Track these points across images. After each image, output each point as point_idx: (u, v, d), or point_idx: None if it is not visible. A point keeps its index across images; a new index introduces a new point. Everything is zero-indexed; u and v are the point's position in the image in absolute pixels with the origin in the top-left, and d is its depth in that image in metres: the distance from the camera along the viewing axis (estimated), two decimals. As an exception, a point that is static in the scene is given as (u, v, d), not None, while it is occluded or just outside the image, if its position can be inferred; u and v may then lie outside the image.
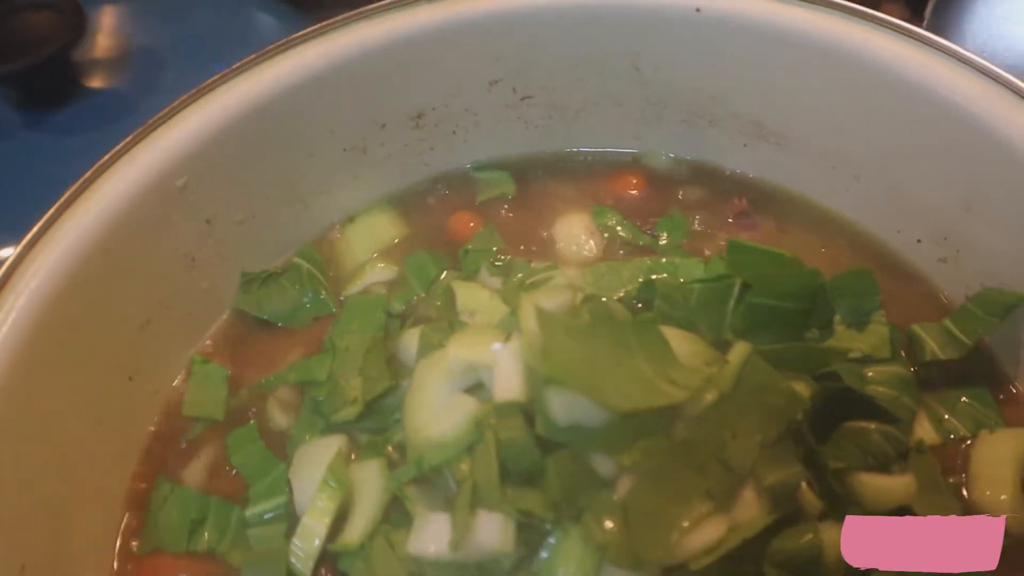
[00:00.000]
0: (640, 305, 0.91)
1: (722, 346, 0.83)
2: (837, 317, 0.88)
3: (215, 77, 0.89)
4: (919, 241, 0.91)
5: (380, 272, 1.00)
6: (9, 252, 1.18)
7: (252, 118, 0.90)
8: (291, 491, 0.83)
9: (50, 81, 1.30)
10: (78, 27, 1.26)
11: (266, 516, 0.84)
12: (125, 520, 0.85)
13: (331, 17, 0.93)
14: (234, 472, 0.88)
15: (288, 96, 0.91)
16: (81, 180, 0.82)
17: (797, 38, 0.89)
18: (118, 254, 0.84)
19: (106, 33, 1.40)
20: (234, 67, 0.90)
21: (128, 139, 0.85)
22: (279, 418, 0.91)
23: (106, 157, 0.83)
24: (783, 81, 0.92)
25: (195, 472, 0.88)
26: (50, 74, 1.29)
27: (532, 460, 0.74)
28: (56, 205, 0.81)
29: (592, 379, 0.73)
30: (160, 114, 0.86)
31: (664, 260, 0.94)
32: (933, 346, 0.84)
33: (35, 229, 0.80)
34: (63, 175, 1.25)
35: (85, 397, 0.83)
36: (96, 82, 1.36)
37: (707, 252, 0.97)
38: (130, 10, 1.45)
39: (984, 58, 0.78)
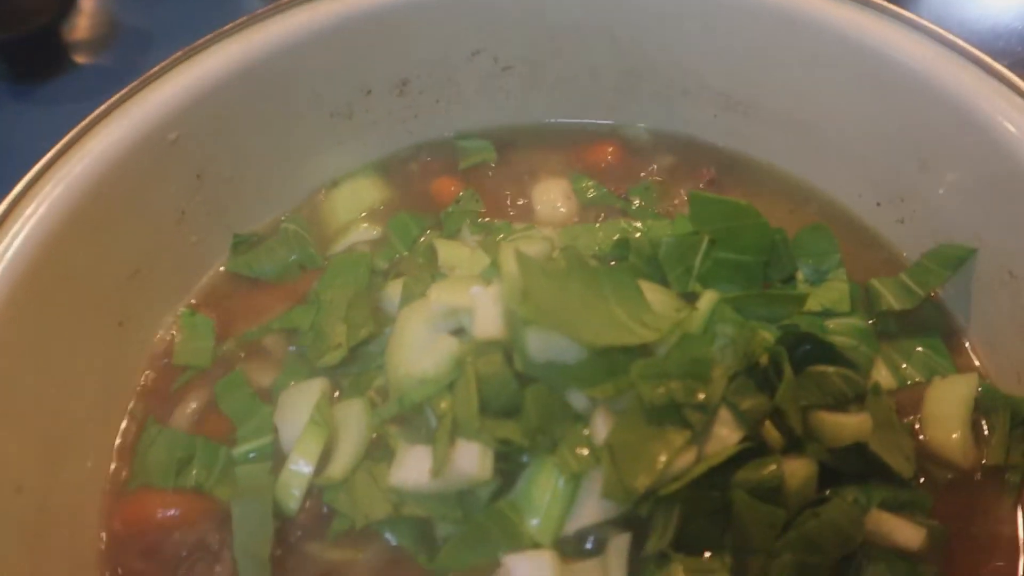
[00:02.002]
0: (613, 263, 0.95)
1: (690, 298, 0.88)
2: (800, 275, 0.93)
3: (208, 36, 0.92)
4: (878, 204, 0.97)
5: (364, 232, 1.03)
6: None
7: (242, 78, 0.93)
8: (276, 432, 0.86)
9: (38, 55, 1.32)
10: (67, 2, 1.29)
11: (252, 455, 0.87)
12: (115, 457, 0.88)
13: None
14: (220, 418, 0.90)
15: (277, 58, 0.95)
16: (77, 129, 0.85)
17: (764, 11, 0.94)
18: (110, 203, 0.87)
19: (93, 11, 1.43)
20: (226, 28, 0.93)
21: (123, 92, 0.88)
22: (262, 372, 0.94)
23: (101, 109, 0.86)
24: (751, 53, 0.97)
25: (183, 417, 0.91)
26: (38, 48, 1.31)
27: (510, 393, 0.78)
28: (51, 152, 0.84)
29: (568, 318, 0.77)
30: (154, 70, 0.90)
31: (637, 223, 0.99)
32: (889, 298, 0.89)
33: (30, 175, 0.83)
34: (48, 146, 1.28)
35: (77, 339, 0.85)
36: (83, 58, 1.38)
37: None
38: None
39: (939, 26, 0.84)
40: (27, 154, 1.25)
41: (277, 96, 0.97)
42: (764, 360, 0.80)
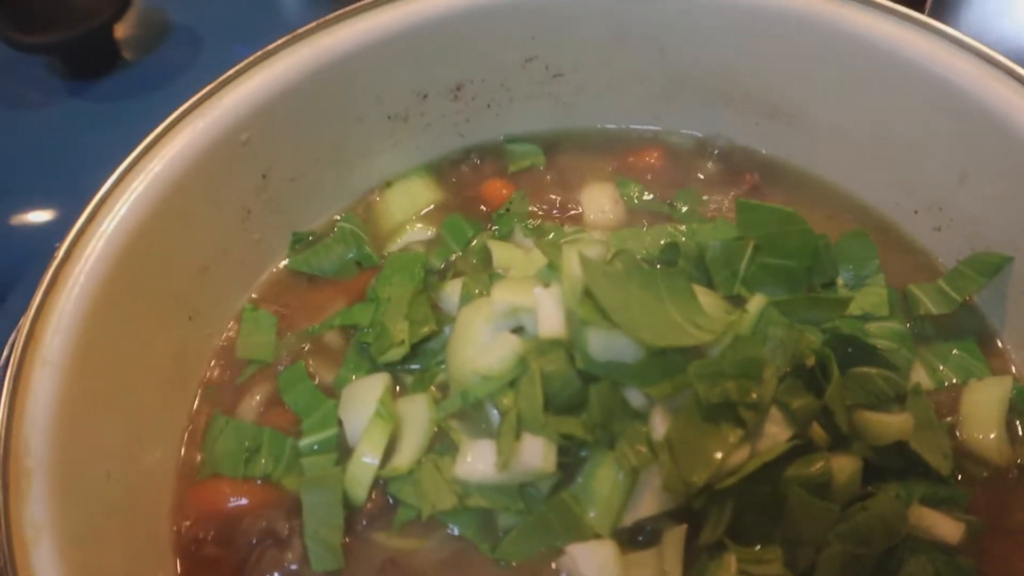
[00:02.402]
0: (660, 266, 0.99)
1: (735, 301, 0.92)
2: (840, 280, 0.97)
3: (279, 42, 0.96)
4: (916, 212, 1.00)
5: (418, 232, 1.07)
6: (50, 209, 1.27)
7: (310, 82, 0.97)
8: (340, 425, 0.90)
9: (93, 52, 1.36)
10: (123, 2, 1.32)
11: (316, 447, 0.90)
12: (186, 446, 0.92)
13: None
14: (284, 410, 0.94)
15: (342, 64, 0.99)
16: (159, 129, 0.88)
17: (810, 24, 0.97)
18: (186, 201, 0.90)
19: (145, 10, 1.46)
20: (296, 33, 0.96)
21: (201, 93, 0.91)
22: (324, 367, 0.98)
23: (181, 109, 0.90)
24: (795, 64, 1.01)
25: (249, 408, 0.95)
26: (94, 46, 1.35)
27: (573, 390, 0.82)
28: (136, 151, 0.87)
29: (628, 319, 0.81)
30: (230, 72, 0.93)
31: (683, 227, 1.03)
32: (927, 302, 0.93)
33: (116, 173, 0.86)
34: (103, 140, 1.31)
35: (153, 329, 0.89)
36: (134, 55, 1.42)
37: (721, 222, 1.05)
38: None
39: (979, 41, 0.88)
40: (83, 148, 1.31)
41: (340, 99, 1.01)
42: (811, 361, 0.84)
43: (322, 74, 0.97)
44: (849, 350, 0.88)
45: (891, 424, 0.83)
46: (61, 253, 0.79)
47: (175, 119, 0.89)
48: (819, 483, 0.79)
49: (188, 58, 1.42)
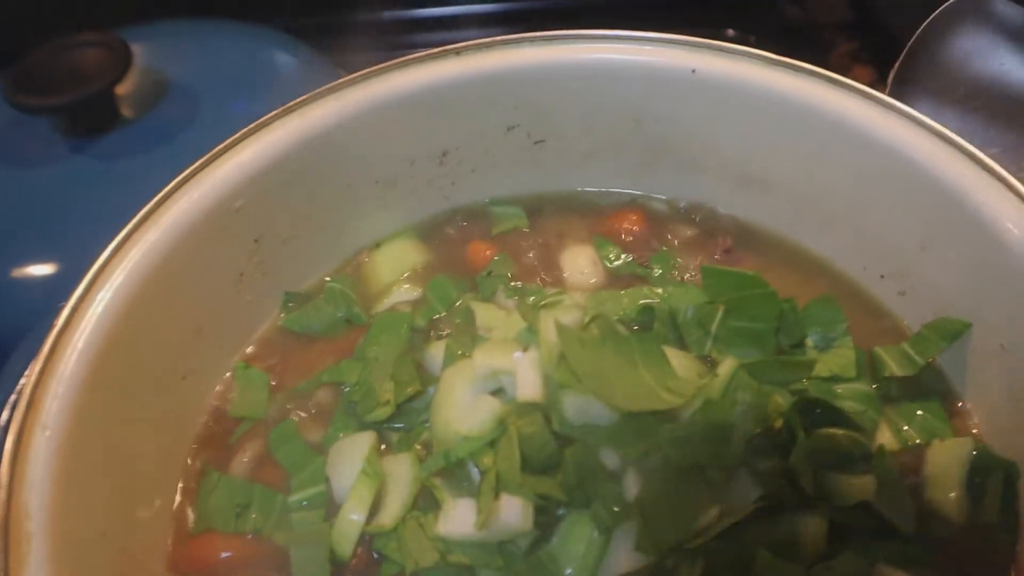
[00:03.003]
0: (636, 327, 1.03)
1: (708, 362, 0.97)
2: (809, 342, 1.01)
3: (271, 114, 1.00)
4: (882, 277, 1.05)
5: (405, 292, 1.11)
6: (51, 263, 1.30)
7: (300, 151, 1.02)
8: (328, 481, 0.94)
9: (95, 111, 1.40)
10: (125, 64, 1.37)
11: (304, 503, 0.94)
12: (179, 503, 0.95)
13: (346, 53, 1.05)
14: (275, 466, 0.98)
15: (332, 133, 1.03)
16: (156, 198, 0.92)
17: (779, 99, 1.02)
18: (181, 266, 0.94)
19: (144, 69, 1.50)
20: (287, 106, 1.01)
21: (196, 164, 0.96)
22: (313, 426, 1.02)
23: (177, 180, 0.94)
24: (766, 135, 1.06)
25: (241, 464, 0.98)
26: (96, 106, 1.39)
27: (549, 452, 0.86)
28: (133, 221, 0.91)
29: (602, 384, 0.85)
30: (223, 144, 0.98)
31: (659, 289, 1.07)
32: (892, 365, 0.97)
33: (114, 242, 0.90)
34: (104, 195, 1.35)
35: (148, 392, 0.92)
36: (134, 112, 1.46)
37: (694, 285, 1.10)
38: (165, 49, 1.56)
39: (936, 121, 0.93)
40: (85, 203, 1.35)
41: (330, 166, 1.05)
42: (779, 424, 0.88)
43: (312, 143, 1.02)
44: (817, 411, 0.91)
45: (856, 485, 0.86)
46: (60, 321, 0.83)
47: (171, 189, 0.93)
48: (785, 543, 0.83)
49: (186, 116, 1.46)
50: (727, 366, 0.91)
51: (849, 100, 0.99)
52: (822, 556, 0.83)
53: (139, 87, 1.50)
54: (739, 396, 0.90)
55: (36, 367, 0.80)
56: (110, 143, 1.42)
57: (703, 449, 0.83)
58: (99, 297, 0.87)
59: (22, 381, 0.81)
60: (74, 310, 0.85)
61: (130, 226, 0.90)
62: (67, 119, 1.39)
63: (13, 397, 0.86)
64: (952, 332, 0.96)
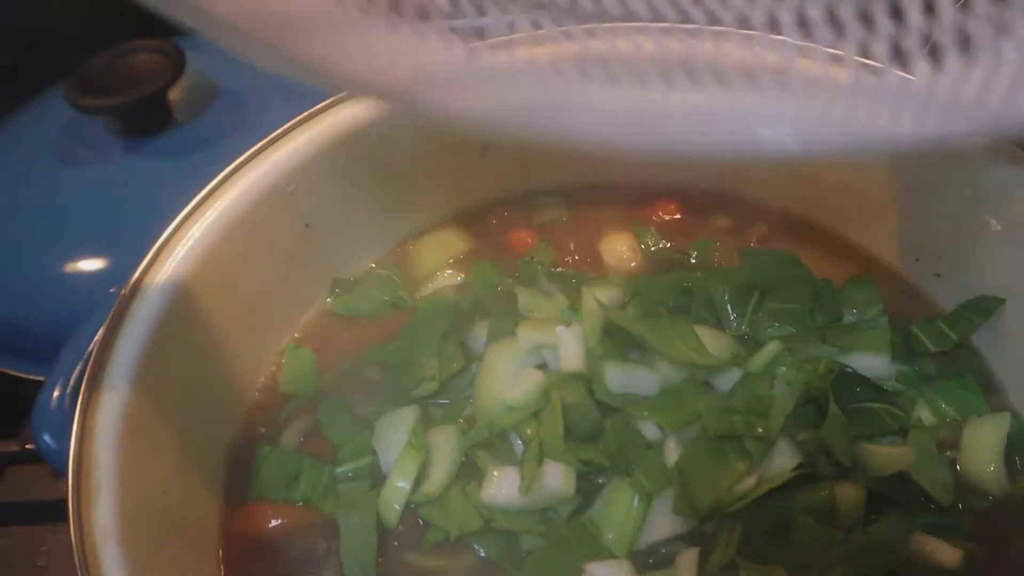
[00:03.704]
0: (673, 309, 1.05)
1: (746, 341, 0.99)
2: (845, 322, 1.03)
3: (324, 103, 1.05)
4: (917, 260, 1.06)
5: (448, 278, 1.15)
6: (103, 258, 1.35)
7: (351, 140, 1.05)
8: (375, 454, 0.97)
9: (148, 114, 1.46)
10: (178, 69, 1.42)
11: (352, 474, 0.96)
12: (231, 473, 0.98)
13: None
14: (322, 440, 1.01)
15: (381, 124, 1.07)
16: (215, 181, 0.97)
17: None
18: (237, 247, 0.98)
19: (195, 74, 1.56)
20: (338, 96, 1.05)
21: (252, 149, 1.00)
22: (360, 402, 1.05)
23: (235, 164, 0.99)
24: (801, 123, 1.08)
25: (290, 438, 1.01)
26: (150, 108, 1.45)
27: (592, 420, 0.88)
28: (194, 201, 0.96)
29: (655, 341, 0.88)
30: (278, 131, 1.02)
31: (697, 274, 1.09)
32: (926, 341, 0.98)
33: (175, 222, 0.94)
34: (155, 194, 1.39)
35: (202, 368, 0.96)
36: (186, 116, 1.51)
37: (731, 271, 1.12)
38: (216, 57, 1.62)
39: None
40: (137, 201, 1.40)
41: (379, 156, 1.09)
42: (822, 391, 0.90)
43: (362, 133, 1.06)
44: (857, 389, 0.93)
45: (894, 456, 0.88)
46: (128, 290, 0.87)
47: (229, 172, 0.98)
48: (823, 510, 0.85)
49: (234, 120, 1.51)
50: (770, 348, 0.94)
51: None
52: (860, 523, 0.85)
53: (191, 92, 1.56)
54: (780, 373, 0.92)
55: (103, 332, 0.84)
56: (162, 144, 1.47)
57: (740, 420, 0.85)
58: (162, 270, 0.91)
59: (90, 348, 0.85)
60: (137, 283, 0.89)
61: (191, 206, 0.95)
62: (122, 121, 1.45)
63: (80, 365, 0.90)
64: (986, 309, 0.97)
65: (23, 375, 1.29)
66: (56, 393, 0.94)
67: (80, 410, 0.78)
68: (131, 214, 1.38)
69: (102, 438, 0.78)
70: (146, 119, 1.46)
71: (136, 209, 1.38)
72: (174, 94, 1.52)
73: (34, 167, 1.47)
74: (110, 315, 0.85)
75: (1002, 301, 0.96)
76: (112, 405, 0.80)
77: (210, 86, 1.57)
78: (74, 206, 1.42)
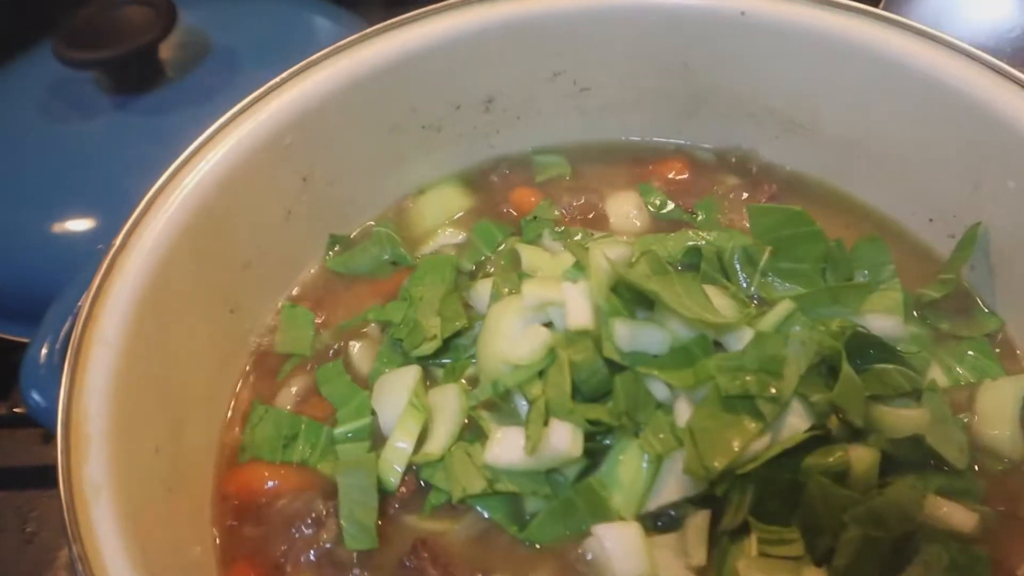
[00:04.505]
0: (680, 269, 1.03)
1: (755, 300, 0.97)
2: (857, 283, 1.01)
3: (321, 53, 1.01)
4: (931, 220, 1.04)
5: (449, 236, 1.12)
6: (91, 218, 1.32)
7: (348, 92, 1.02)
8: (374, 415, 0.94)
9: (138, 69, 1.42)
10: (169, 22, 1.38)
11: (351, 435, 0.94)
12: (227, 430, 0.96)
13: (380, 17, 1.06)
14: (320, 401, 0.98)
15: (380, 75, 1.04)
16: (209, 131, 0.93)
17: (828, 39, 1.01)
18: (233, 199, 0.95)
19: (188, 30, 1.52)
20: (337, 45, 1.02)
21: (248, 99, 0.97)
22: (360, 361, 1.02)
23: (229, 113, 0.95)
24: (814, 78, 1.05)
25: (286, 399, 0.98)
26: (140, 63, 1.40)
27: (600, 378, 0.86)
28: (187, 151, 0.92)
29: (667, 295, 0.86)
30: (274, 81, 0.99)
31: (704, 233, 1.06)
32: (931, 293, 0.98)
33: (168, 171, 0.91)
34: (145, 152, 1.36)
35: (198, 319, 0.94)
36: (177, 73, 1.47)
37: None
38: (209, 12, 1.58)
39: (987, 51, 0.92)
40: (126, 159, 1.36)
41: (378, 109, 1.06)
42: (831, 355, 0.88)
43: (360, 85, 1.02)
44: (870, 351, 0.91)
45: (908, 418, 0.86)
46: (118, 242, 0.84)
47: (224, 122, 0.94)
48: (837, 472, 0.82)
49: (226, 77, 1.47)
50: (783, 307, 0.90)
51: (899, 37, 0.98)
52: (873, 486, 0.83)
53: (182, 48, 1.52)
54: (792, 333, 0.89)
55: (95, 284, 0.81)
56: (153, 101, 1.43)
57: (753, 380, 0.83)
58: (154, 222, 0.88)
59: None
60: (129, 233, 0.86)
61: (184, 155, 0.92)
62: (111, 76, 1.41)
63: (70, 320, 0.87)
64: (968, 240, 0.98)
65: (11, 337, 1.26)
66: (44, 350, 0.91)
67: (69, 366, 0.75)
68: (120, 172, 1.33)
69: (92, 393, 0.75)
70: (136, 75, 1.42)
71: (125, 167, 1.34)
72: (165, 50, 1.48)
73: (21, 124, 1.43)
74: (101, 268, 0.82)
75: (977, 224, 0.97)
76: (102, 361, 0.78)
77: (202, 42, 1.52)
78: (62, 164, 1.38)
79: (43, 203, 1.33)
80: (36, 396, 0.88)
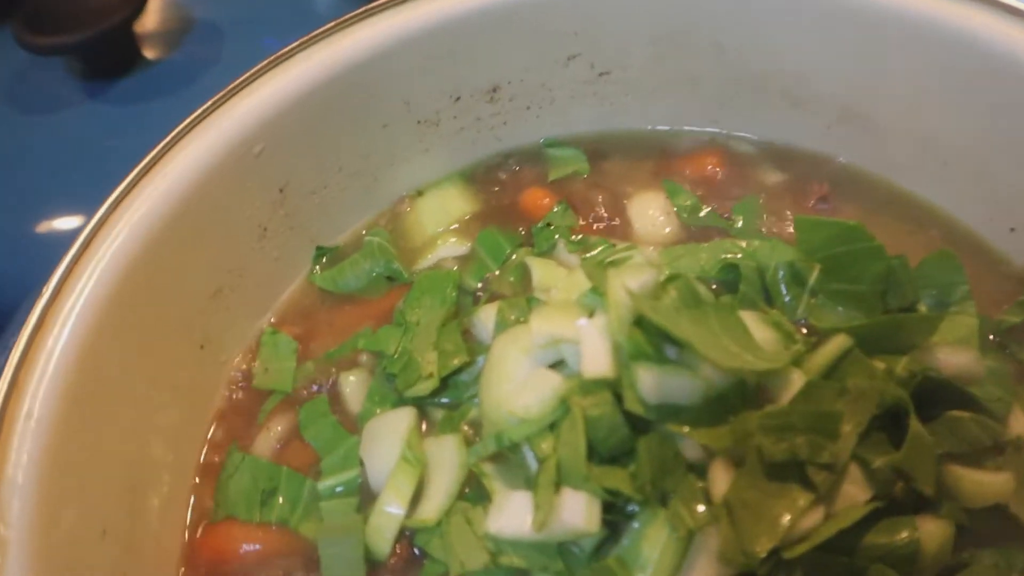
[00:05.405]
0: (715, 287, 0.89)
1: (801, 325, 0.84)
2: (922, 306, 0.86)
3: (293, 44, 0.88)
4: (1012, 230, 0.90)
5: (451, 247, 0.99)
6: (75, 216, 1.21)
7: (328, 86, 0.90)
8: (363, 465, 0.83)
9: (112, 52, 1.30)
10: (139, 0, 1.25)
11: (338, 489, 0.83)
12: (197, 489, 0.85)
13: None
14: (303, 444, 0.87)
15: (365, 66, 0.91)
16: (163, 143, 0.81)
17: (888, 16, 0.87)
18: (194, 220, 0.83)
19: (165, 5, 1.39)
20: (312, 35, 0.89)
21: (208, 103, 0.84)
22: (350, 397, 0.90)
23: (187, 121, 0.83)
24: (868, 60, 0.91)
25: (266, 443, 0.88)
26: (112, 45, 1.28)
27: (621, 438, 0.73)
28: (138, 168, 0.80)
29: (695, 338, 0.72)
30: (240, 79, 0.86)
31: (743, 243, 0.92)
32: (1009, 317, 0.84)
33: (116, 193, 0.79)
34: (123, 143, 1.26)
35: (159, 363, 0.82)
36: (154, 53, 1.36)
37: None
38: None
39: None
40: (104, 151, 1.24)
41: (363, 104, 0.93)
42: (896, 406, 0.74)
43: (341, 78, 0.89)
44: (942, 397, 0.77)
45: (988, 483, 0.73)
46: (50, 288, 0.72)
47: (179, 132, 0.82)
48: (904, 554, 0.70)
49: (212, 55, 1.35)
50: (836, 343, 0.77)
51: (974, 12, 0.82)
52: (948, 568, 0.71)
53: (161, 25, 1.40)
54: (851, 382, 0.75)
55: (20, 343, 0.68)
56: (131, 85, 1.32)
57: (804, 442, 0.69)
58: (96, 258, 0.76)
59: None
60: (66, 275, 0.74)
61: (131, 177, 0.79)
62: (82, 60, 1.29)
63: None
64: None
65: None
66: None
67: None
68: (99, 165, 1.23)
69: (14, 484, 0.64)
70: (110, 58, 1.31)
71: (105, 160, 1.24)
72: (141, 27, 1.36)
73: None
74: (29, 321, 0.70)
75: None
76: (30, 439, 0.66)
77: (183, 17, 1.40)
78: (33, 158, 1.29)
79: (11, 202, 1.23)
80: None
